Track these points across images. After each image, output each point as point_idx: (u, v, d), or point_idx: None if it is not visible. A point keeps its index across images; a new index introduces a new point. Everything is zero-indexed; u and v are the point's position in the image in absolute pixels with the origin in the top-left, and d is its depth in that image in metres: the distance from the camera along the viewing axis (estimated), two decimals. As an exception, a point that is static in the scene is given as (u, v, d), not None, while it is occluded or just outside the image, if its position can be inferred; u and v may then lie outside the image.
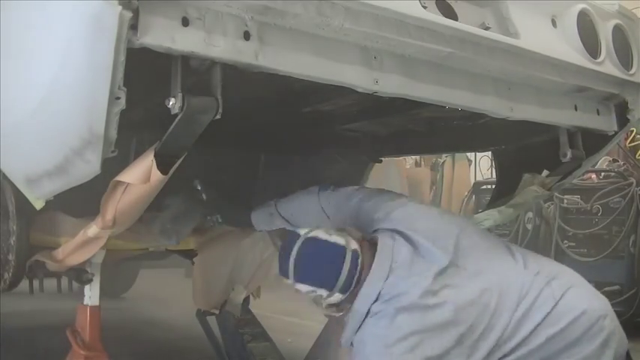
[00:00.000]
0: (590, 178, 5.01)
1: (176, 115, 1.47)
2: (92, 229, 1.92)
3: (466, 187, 7.08)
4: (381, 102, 2.07)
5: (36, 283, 3.45)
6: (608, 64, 2.25)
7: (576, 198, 5.03)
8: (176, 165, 1.66)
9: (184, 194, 2.44)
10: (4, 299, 3.08)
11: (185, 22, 1.36)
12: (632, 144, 5.30)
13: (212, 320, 3.06)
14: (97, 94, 1.35)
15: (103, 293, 2.38)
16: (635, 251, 4.76)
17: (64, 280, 3.84)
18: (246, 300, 3.04)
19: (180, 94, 1.44)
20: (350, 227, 2.02)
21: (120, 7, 1.23)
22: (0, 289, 2.38)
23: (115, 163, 1.56)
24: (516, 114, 2.11)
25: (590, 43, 2.19)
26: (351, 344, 1.90)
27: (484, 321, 1.83)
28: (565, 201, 5.09)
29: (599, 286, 4.69)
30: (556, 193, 4.73)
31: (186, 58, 1.42)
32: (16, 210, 2.27)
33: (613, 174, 4.95)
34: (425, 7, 1.70)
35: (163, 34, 1.33)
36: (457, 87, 1.93)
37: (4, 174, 1.97)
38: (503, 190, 2.87)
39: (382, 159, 3.38)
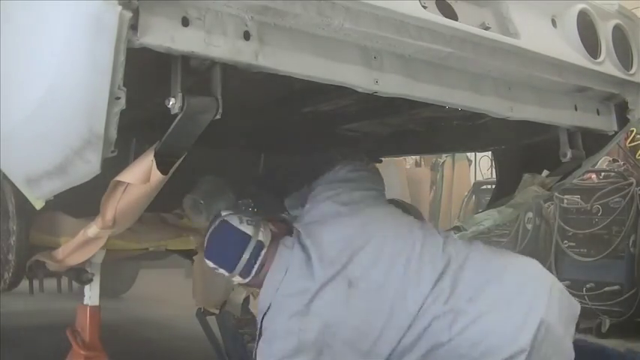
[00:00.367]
0: (590, 178, 5.00)
1: (176, 115, 1.46)
2: (92, 229, 1.91)
3: (466, 187, 7.08)
4: (381, 102, 2.07)
5: (36, 283, 3.44)
6: (608, 64, 2.25)
7: (576, 198, 5.02)
8: (176, 165, 1.66)
9: (215, 175, 2.44)
10: (4, 299, 3.08)
11: (185, 22, 1.35)
12: (632, 144, 5.29)
13: (212, 320, 3.06)
14: (96, 94, 1.35)
15: (103, 293, 2.38)
16: (635, 251, 4.74)
17: (64, 280, 3.84)
18: (246, 300, 3.03)
19: (180, 94, 1.43)
20: (280, 222, 2.15)
21: (120, 7, 1.23)
22: (0, 289, 2.39)
23: (115, 163, 1.55)
24: (516, 114, 2.11)
25: (590, 43, 2.18)
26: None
27: (364, 346, 1.84)
28: (565, 201, 5.08)
29: (599, 286, 4.79)
30: (556, 193, 4.72)
31: (186, 58, 1.42)
32: (16, 210, 2.27)
33: (613, 174, 4.93)
34: (425, 7, 1.70)
35: (163, 34, 1.33)
36: (457, 87, 1.93)
37: (4, 174, 1.96)
38: (503, 190, 2.86)
39: (382, 159, 3.38)
